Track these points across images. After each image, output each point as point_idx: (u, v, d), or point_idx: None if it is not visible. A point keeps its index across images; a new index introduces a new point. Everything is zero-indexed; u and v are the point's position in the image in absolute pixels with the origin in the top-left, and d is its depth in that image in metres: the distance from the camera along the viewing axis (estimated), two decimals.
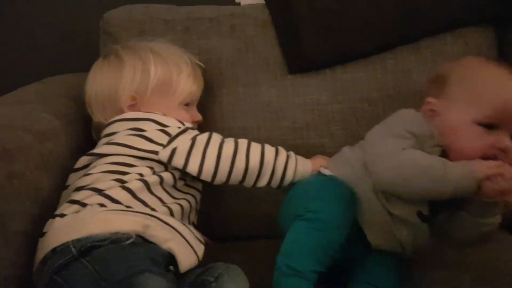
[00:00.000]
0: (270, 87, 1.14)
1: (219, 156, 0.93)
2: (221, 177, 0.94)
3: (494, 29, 1.14)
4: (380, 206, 0.89)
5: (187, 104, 1.05)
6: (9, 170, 0.83)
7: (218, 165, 0.93)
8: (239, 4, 1.33)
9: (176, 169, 0.94)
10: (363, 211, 0.89)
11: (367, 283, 0.88)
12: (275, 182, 0.96)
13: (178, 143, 0.93)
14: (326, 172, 0.96)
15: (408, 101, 1.09)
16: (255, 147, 0.96)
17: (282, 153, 0.98)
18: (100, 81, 1.03)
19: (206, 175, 0.93)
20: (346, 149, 0.99)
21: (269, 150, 0.97)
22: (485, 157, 0.84)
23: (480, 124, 0.85)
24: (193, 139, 0.94)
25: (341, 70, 1.13)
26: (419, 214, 0.88)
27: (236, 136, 1.10)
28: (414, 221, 0.88)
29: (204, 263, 0.88)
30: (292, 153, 0.99)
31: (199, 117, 1.07)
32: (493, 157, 0.84)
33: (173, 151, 0.92)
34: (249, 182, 0.96)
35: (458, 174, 0.81)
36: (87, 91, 1.04)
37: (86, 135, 1.06)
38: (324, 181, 0.93)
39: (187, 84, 1.03)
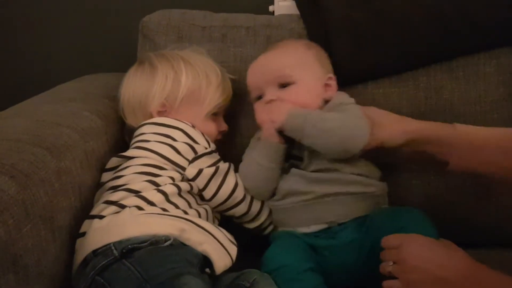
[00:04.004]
0: None
1: (230, 196, 0.99)
2: (220, 209, 1.01)
3: None
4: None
5: (214, 114, 1.07)
6: (59, 166, 0.85)
7: (226, 201, 0.99)
8: (272, 13, 1.35)
9: None
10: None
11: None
12: (258, 230, 1.05)
13: (203, 164, 0.97)
14: None
15: (438, 117, 1.10)
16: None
17: None
18: (133, 86, 1.06)
19: (213, 204, 1.00)
20: None
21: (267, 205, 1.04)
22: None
23: (255, 100, 1.06)
24: (216, 167, 0.98)
25: (373, 85, 1.14)
26: None
27: None
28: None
29: (238, 269, 0.90)
30: None
31: (225, 127, 1.10)
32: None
33: (200, 172, 0.96)
34: (240, 221, 1.04)
35: (260, 152, 1.00)
36: (120, 96, 1.07)
37: (123, 135, 1.09)
38: None
39: (216, 95, 1.06)
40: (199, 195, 0.99)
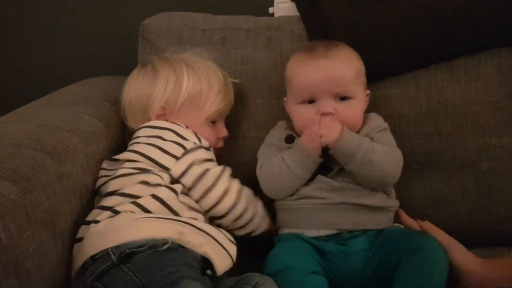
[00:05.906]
0: None
1: (218, 202, 0.96)
2: (212, 213, 0.97)
3: None
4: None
5: (213, 122, 1.07)
6: (60, 170, 0.85)
7: (214, 207, 0.96)
8: (272, 15, 1.35)
9: None
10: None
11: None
12: (247, 235, 1.02)
13: (194, 157, 0.95)
14: None
15: (440, 118, 1.11)
16: (253, 206, 1.01)
17: (267, 219, 1.04)
18: (134, 89, 1.06)
19: (202, 207, 0.96)
20: None
21: (262, 213, 1.02)
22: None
23: (302, 103, 1.00)
24: (206, 169, 0.95)
25: (373, 86, 1.13)
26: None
27: None
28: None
29: (240, 272, 0.90)
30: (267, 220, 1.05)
31: (225, 133, 1.09)
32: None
33: (188, 168, 0.94)
34: (230, 227, 0.99)
35: (296, 161, 0.96)
36: (122, 98, 1.07)
37: (124, 138, 1.09)
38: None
39: (216, 100, 1.05)
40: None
